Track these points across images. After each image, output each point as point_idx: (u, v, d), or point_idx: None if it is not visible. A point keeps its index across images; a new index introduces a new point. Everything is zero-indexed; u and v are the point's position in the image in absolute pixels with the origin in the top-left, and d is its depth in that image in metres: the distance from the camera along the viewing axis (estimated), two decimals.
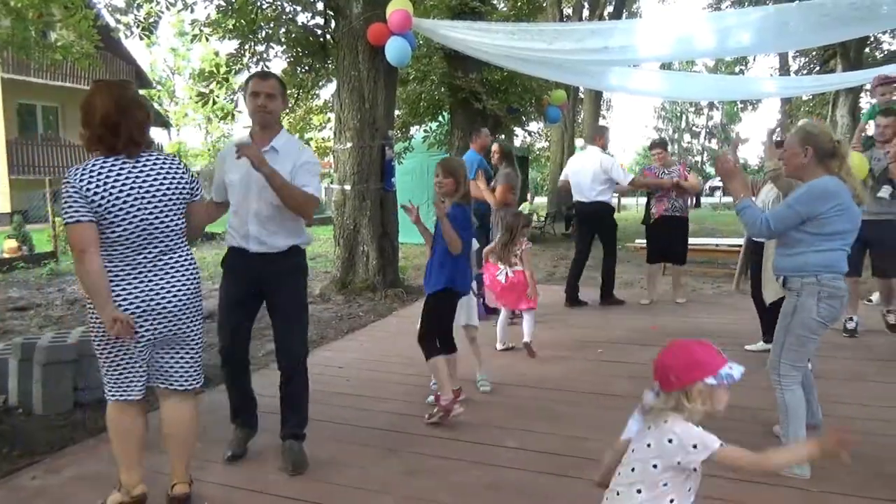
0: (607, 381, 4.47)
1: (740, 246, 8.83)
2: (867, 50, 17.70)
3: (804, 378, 3.19)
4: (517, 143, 19.94)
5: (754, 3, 17.71)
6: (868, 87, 19.45)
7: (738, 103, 45.71)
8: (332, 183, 8.13)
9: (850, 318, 5.38)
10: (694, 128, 56.26)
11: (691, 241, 10.69)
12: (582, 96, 21.59)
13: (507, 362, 4.93)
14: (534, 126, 17.70)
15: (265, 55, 8.25)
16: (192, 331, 2.69)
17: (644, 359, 4.93)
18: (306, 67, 8.71)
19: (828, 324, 3.00)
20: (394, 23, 6.87)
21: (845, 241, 2.94)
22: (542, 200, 26.24)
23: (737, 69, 25.55)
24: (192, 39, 8.97)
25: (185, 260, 2.64)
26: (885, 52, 18.63)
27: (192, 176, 2.70)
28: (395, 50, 6.94)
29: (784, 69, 22.73)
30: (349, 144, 7.37)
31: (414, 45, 7.47)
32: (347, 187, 7.44)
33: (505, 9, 13.27)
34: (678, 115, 55.12)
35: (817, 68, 19.47)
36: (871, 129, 5.68)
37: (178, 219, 2.62)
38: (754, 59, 27.44)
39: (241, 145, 2.88)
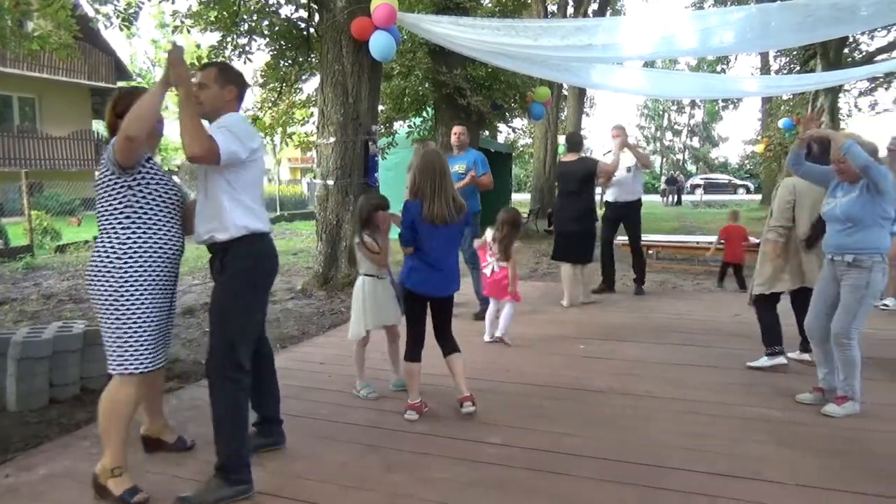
0: (589, 376, 4.49)
1: (721, 244, 8.92)
2: (846, 50, 17.91)
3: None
4: (501, 139, 19.97)
5: (737, 2, 17.83)
6: (847, 87, 19.76)
7: (719, 102, 46.14)
8: (314, 178, 8.07)
9: None
10: (676, 126, 56.69)
11: (672, 238, 10.82)
12: (566, 93, 21.66)
13: (491, 357, 4.94)
14: (518, 123, 17.74)
15: (247, 48, 8.19)
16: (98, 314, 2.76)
17: (624, 355, 5.00)
18: (289, 61, 8.65)
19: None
20: (378, 17, 6.83)
21: None
22: (525, 197, 26.28)
23: (718, 68, 25.74)
24: (172, 31, 8.85)
25: (100, 244, 2.75)
26: (864, 53, 18.86)
27: (107, 159, 2.70)
28: (379, 44, 6.90)
29: (765, 68, 22.98)
30: (332, 139, 7.33)
31: (398, 40, 7.43)
32: (330, 182, 7.40)
33: (490, 5, 13.26)
34: (660, 113, 55.51)
35: (798, 68, 19.67)
36: None
37: (100, 203, 2.75)
38: (736, 59, 27.71)
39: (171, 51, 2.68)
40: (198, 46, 9.93)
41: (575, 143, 7.11)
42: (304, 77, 9.47)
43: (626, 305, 6.93)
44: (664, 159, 55.94)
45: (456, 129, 6.55)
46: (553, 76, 9.33)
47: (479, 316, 6.02)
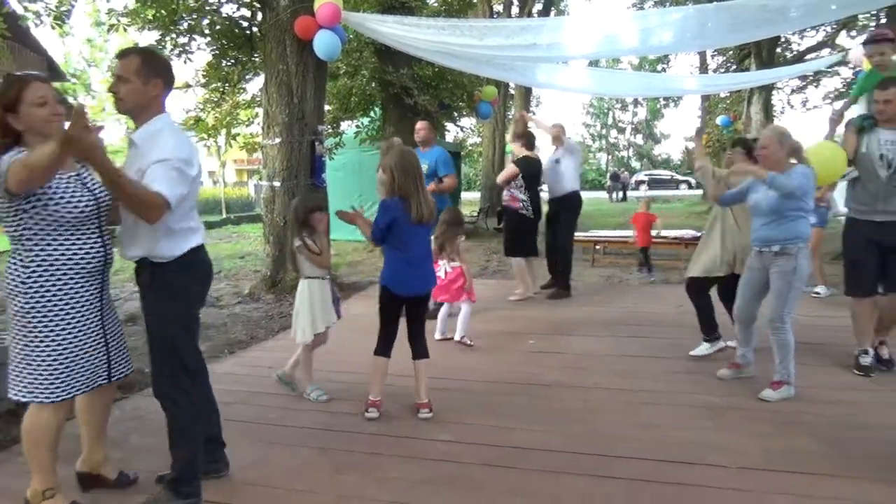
0: (538, 371, 4.55)
1: (664, 238, 9.22)
2: (778, 50, 18.63)
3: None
4: (450, 138, 20.02)
5: (675, 3, 18.36)
6: (780, 85, 20.58)
7: (661, 100, 47.45)
8: (260, 179, 7.93)
9: (865, 352, 4.33)
10: (620, 124, 57.98)
11: (618, 233, 11.05)
12: (513, 92, 21.85)
13: (441, 355, 4.93)
14: (466, 122, 17.82)
15: (188, 47, 7.97)
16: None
17: (573, 349, 5.09)
18: (232, 60, 8.47)
19: None
20: (322, 16, 6.75)
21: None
22: (474, 195, 26.45)
23: (659, 67, 26.43)
24: (108, 30, 8.55)
25: (10, 261, 2.51)
26: (794, 52, 19.67)
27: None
28: (324, 44, 6.83)
29: (703, 68, 23.68)
30: (278, 140, 7.21)
31: (344, 39, 7.37)
32: (277, 184, 7.28)
33: (436, 4, 13.28)
34: (605, 111, 56.67)
35: (734, 67, 20.36)
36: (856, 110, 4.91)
37: (2, 220, 2.48)
38: (676, 58, 28.48)
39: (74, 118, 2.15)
40: (135, 45, 9.65)
41: (532, 140, 7.21)
42: (247, 77, 9.28)
43: (574, 300, 7.05)
44: (610, 156, 57.14)
45: (419, 124, 6.54)
46: (499, 75, 9.41)
47: (431, 315, 6.05)
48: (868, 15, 14.28)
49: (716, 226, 4.63)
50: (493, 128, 19.03)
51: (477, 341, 5.28)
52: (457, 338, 5.23)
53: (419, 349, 3.78)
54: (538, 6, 21.90)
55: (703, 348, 4.73)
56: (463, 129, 17.89)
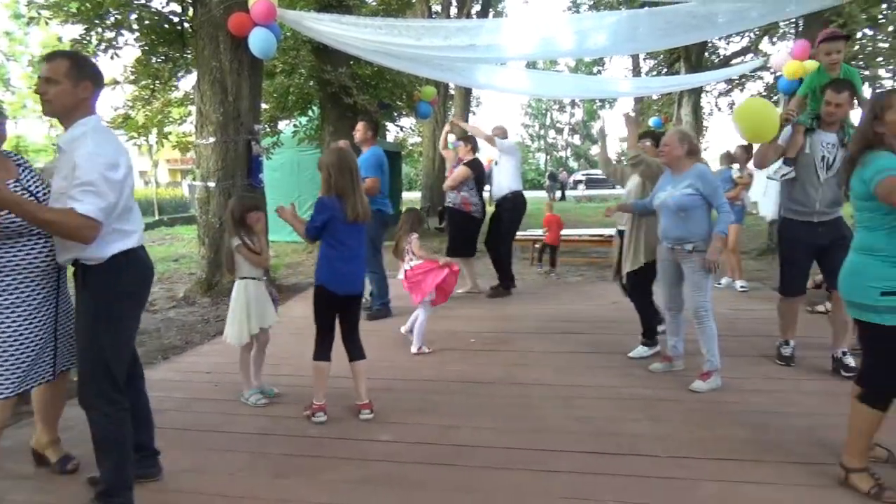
0: (480, 369, 4.60)
1: (601, 236, 9.47)
2: (706, 54, 19.37)
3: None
4: (390, 138, 19.95)
5: (608, 7, 18.84)
6: (708, 88, 21.42)
7: (596, 101, 48.62)
8: (194, 179, 7.69)
9: (787, 343, 4.53)
10: (558, 124, 59.09)
11: (536, 232, 11.23)
12: (452, 92, 21.96)
13: (383, 355, 4.93)
14: (406, 121, 17.80)
15: (115, 42, 7.65)
16: None
17: (514, 346, 5.17)
18: (162, 57, 8.18)
19: None
20: (257, 13, 6.61)
21: None
22: (415, 195, 26.47)
23: (595, 69, 27.09)
24: (28, 22, 8.12)
25: None
26: (721, 57, 20.51)
27: None
28: (259, 41, 6.69)
29: (636, 70, 24.41)
30: (212, 139, 7.02)
31: (279, 37, 7.23)
32: (211, 184, 7.09)
33: (374, 3, 13.19)
34: (543, 112, 57.64)
35: (664, 70, 21.05)
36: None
37: None
38: (610, 60, 29.28)
39: None
40: (59, 40, 9.12)
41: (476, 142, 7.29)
42: (179, 74, 8.98)
43: (515, 299, 7.16)
44: (548, 156, 58.14)
45: (358, 124, 6.52)
46: (438, 76, 9.42)
47: (373, 315, 6.12)
48: (788, 22, 15.02)
49: (641, 224, 4.70)
50: (434, 128, 19.05)
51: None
52: (413, 349, 5.05)
53: (355, 351, 3.76)
54: (476, 7, 22.08)
55: (641, 350, 4.83)
56: (403, 129, 17.85)
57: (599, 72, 27.42)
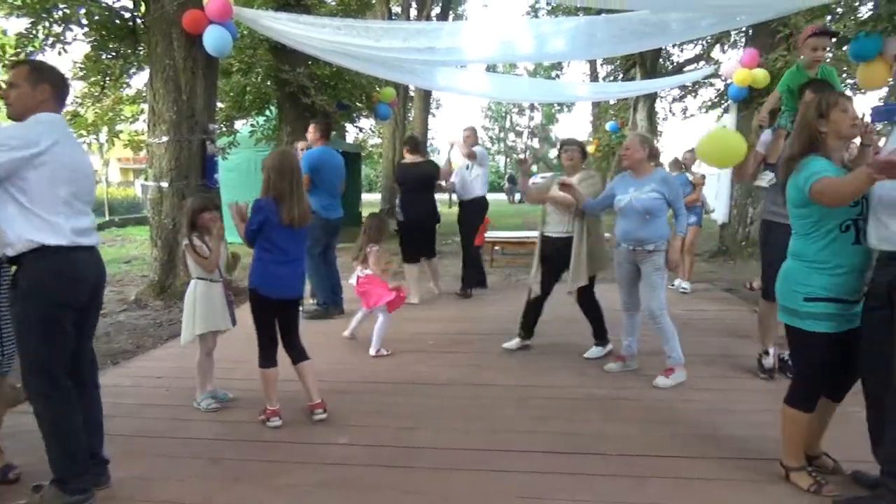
0: (436, 370, 4.62)
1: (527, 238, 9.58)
2: (661, 61, 19.84)
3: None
4: (349, 139, 19.82)
5: (566, 14, 19.12)
6: (662, 93, 21.93)
7: (555, 105, 49.26)
8: (146, 179, 7.51)
9: (766, 352, 4.41)
10: (517, 127, 59.53)
11: (515, 234, 11.36)
12: (412, 94, 21.95)
13: (340, 358, 4.92)
14: (365, 123, 17.70)
15: (62, 37, 7.41)
16: None
17: (470, 347, 5.20)
18: (113, 53, 7.96)
19: None
20: (212, 10, 6.51)
21: None
22: (375, 197, 26.38)
23: (553, 74, 27.49)
24: None
25: None
26: (675, 64, 21.03)
27: None
28: (215, 39, 6.59)
29: (594, 76, 24.84)
30: (165, 138, 6.87)
31: (235, 35, 7.14)
32: (164, 184, 6.93)
33: (333, 3, 13.10)
34: (503, 115, 58.02)
35: (621, 76, 21.47)
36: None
37: None
38: (569, 65, 29.72)
39: None
40: (3, 33, 8.77)
41: (415, 144, 7.27)
42: (131, 71, 8.74)
43: (472, 300, 7.20)
44: (508, 159, 58.56)
45: (310, 126, 6.47)
46: (398, 77, 9.42)
47: (312, 315, 6.20)
48: (738, 31, 15.50)
49: (590, 234, 4.77)
50: (393, 129, 19.04)
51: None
52: (372, 351, 5.03)
53: (297, 353, 3.72)
54: (436, 10, 22.12)
55: (595, 351, 4.93)
56: (362, 130, 17.74)
57: (558, 76, 27.85)
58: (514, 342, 5.14)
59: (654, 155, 4.32)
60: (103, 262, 2.89)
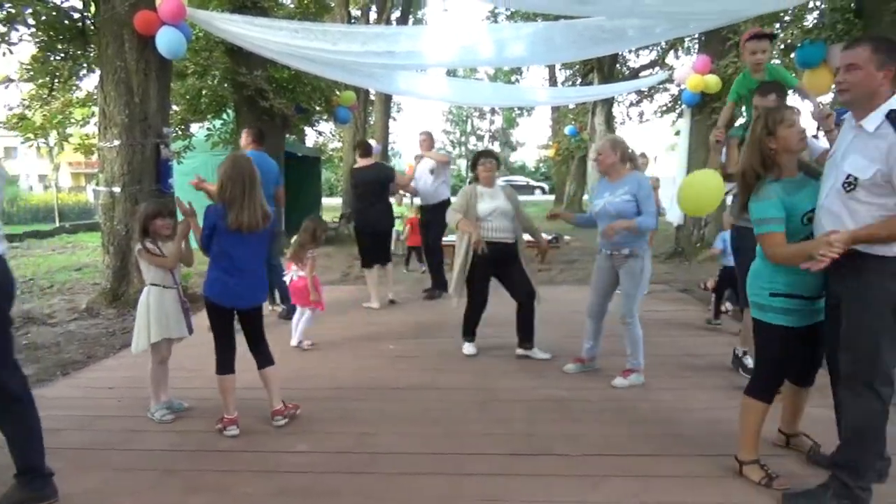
0: (397, 375, 4.60)
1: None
2: (618, 66, 20.22)
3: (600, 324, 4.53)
4: (309, 143, 19.64)
5: (525, 18, 19.33)
6: (620, 98, 22.35)
7: (515, 109, 49.71)
8: (98, 184, 7.30)
9: (746, 353, 4.45)
10: (478, 132, 59.85)
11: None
12: (373, 98, 21.88)
13: (301, 365, 4.86)
14: (325, 126, 17.55)
15: (7, 37, 7.15)
16: None
17: (432, 351, 5.19)
18: (61, 54, 7.71)
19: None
20: (164, 12, 6.37)
21: None
22: (336, 201, 26.17)
23: (513, 78, 27.70)
24: None
25: None
26: (631, 69, 21.46)
27: None
28: (168, 41, 6.44)
29: (552, 80, 25.16)
30: (117, 142, 6.68)
31: (189, 37, 6.99)
32: (116, 189, 6.74)
33: (292, 6, 12.95)
34: (464, 119, 58.26)
35: (579, 81, 21.79)
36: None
37: None
38: (528, 70, 29.99)
39: None
40: None
41: (366, 148, 7.28)
42: (81, 73, 8.48)
43: (434, 303, 7.20)
44: (469, 163, 58.88)
45: (243, 132, 6.40)
46: (357, 81, 9.37)
47: (283, 315, 6.21)
48: (691, 38, 15.91)
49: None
50: (354, 132, 18.91)
51: (336, 348, 5.25)
52: (293, 343, 5.27)
53: (262, 359, 3.67)
54: (396, 14, 22.11)
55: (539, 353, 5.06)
56: (321, 134, 17.57)
57: (518, 80, 28.05)
58: (471, 348, 5.17)
59: (626, 157, 4.29)
60: (11, 273, 2.69)
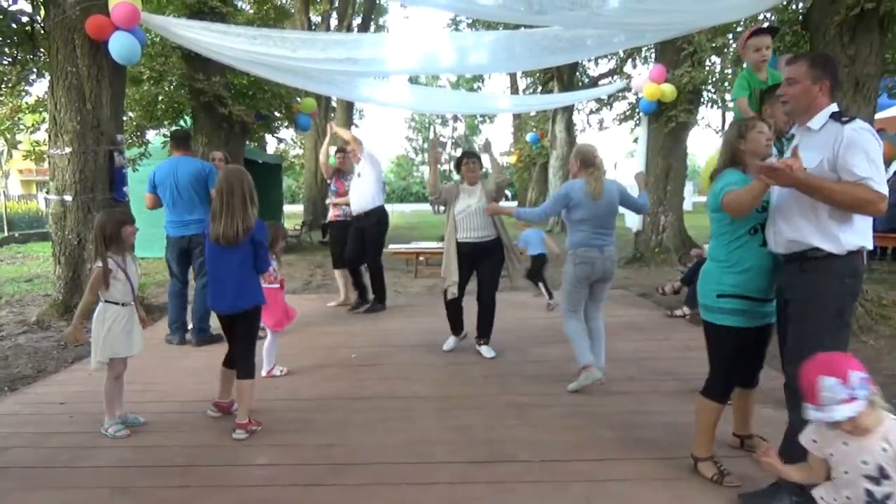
0: (360, 384, 4.57)
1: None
2: (577, 74, 20.56)
3: (594, 329, 4.53)
4: (270, 150, 19.45)
5: (486, 27, 19.53)
6: (580, 106, 22.70)
7: (478, 116, 50.08)
8: (48, 193, 7.08)
9: None
10: (441, 138, 60.05)
11: (440, 245, 11.40)
12: (335, 105, 21.79)
13: (261, 376, 4.78)
14: (287, 133, 17.40)
15: None
16: None
17: (394, 360, 5.18)
18: (9, 59, 7.48)
19: (581, 280, 4.34)
20: (117, 16, 6.24)
21: (589, 224, 4.30)
22: (298, 208, 25.91)
23: (475, 85, 27.97)
24: None
25: None
26: (590, 77, 21.84)
27: None
28: (121, 46, 6.31)
29: (514, 88, 25.45)
30: (68, 149, 6.50)
31: (144, 42, 6.85)
32: (68, 198, 6.56)
33: (251, 12, 12.80)
34: (427, 125, 58.40)
35: (540, 89, 22.08)
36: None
37: None
38: (490, 77, 30.30)
39: None
40: None
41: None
42: (30, 78, 8.23)
43: (397, 312, 7.18)
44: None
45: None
46: (317, 88, 9.31)
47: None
48: (648, 48, 16.27)
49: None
50: (316, 139, 18.80)
51: (298, 359, 5.17)
52: (263, 373, 4.72)
53: (238, 369, 3.69)
54: (357, 20, 22.07)
55: (486, 351, 5.27)
56: (282, 141, 17.40)
57: (479, 87, 28.34)
58: (451, 342, 5.49)
59: (585, 163, 4.35)
60: None
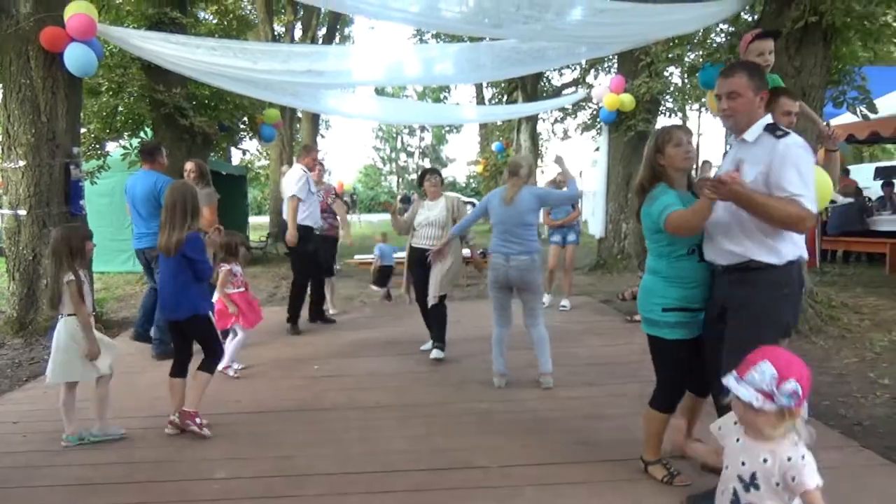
0: (320, 395, 4.57)
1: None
2: (541, 84, 20.85)
3: (534, 337, 4.60)
4: (235, 161, 19.25)
5: (451, 39, 19.71)
6: (544, 115, 22.99)
7: (445, 126, 50.35)
8: (1, 207, 6.93)
9: None
10: (409, 148, 60.14)
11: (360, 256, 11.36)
12: (300, 115, 21.68)
13: (222, 388, 4.72)
14: (251, 144, 17.26)
15: None
16: None
17: (356, 370, 5.20)
18: None
19: (492, 284, 4.62)
20: (73, 28, 6.16)
21: (498, 230, 4.57)
22: (263, 220, 25.67)
23: (441, 96, 28.12)
24: None
25: None
26: (553, 87, 22.17)
27: None
28: (76, 58, 6.23)
29: (480, 98, 25.65)
30: (22, 162, 6.38)
31: (101, 54, 6.76)
32: (22, 212, 6.43)
33: (214, 22, 12.71)
34: (394, 135, 58.45)
35: (505, 98, 22.33)
36: None
37: None
38: (456, 88, 30.52)
39: None
40: None
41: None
42: None
43: (359, 322, 7.19)
44: (400, 179, 58.95)
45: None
46: (281, 100, 9.29)
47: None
48: (609, 59, 16.61)
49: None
50: (280, 151, 18.68)
51: (260, 370, 5.16)
52: (220, 367, 4.75)
53: (201, 362, 3.93)
54: (322, 31, 22.04)
55: (437, 353, 5.39)
56: (246, 153, 17.24)
57: (446, 98, 28.51)
58: (430, 346, 5.55)
59: (511, 173, 4.67)
60: None
